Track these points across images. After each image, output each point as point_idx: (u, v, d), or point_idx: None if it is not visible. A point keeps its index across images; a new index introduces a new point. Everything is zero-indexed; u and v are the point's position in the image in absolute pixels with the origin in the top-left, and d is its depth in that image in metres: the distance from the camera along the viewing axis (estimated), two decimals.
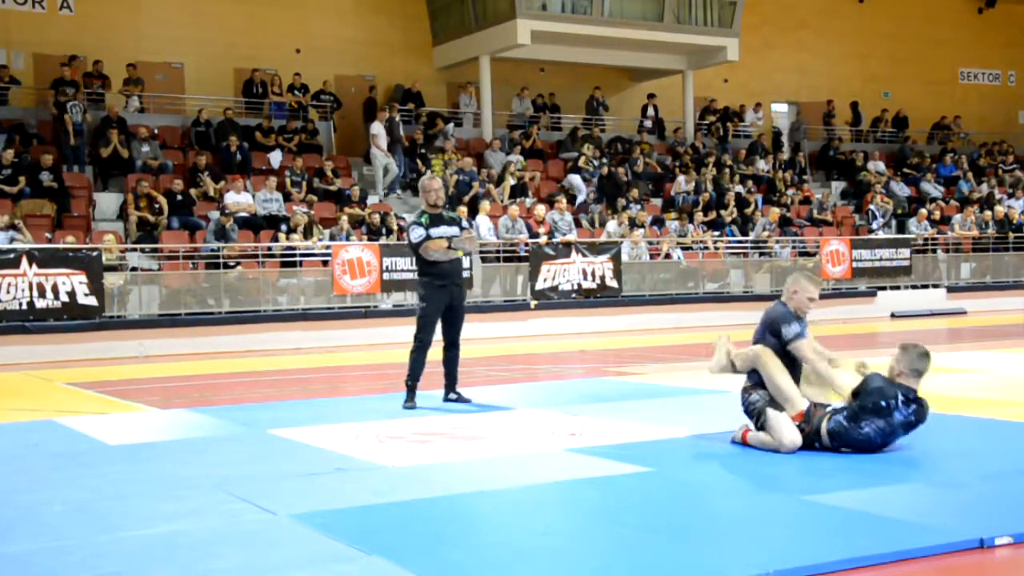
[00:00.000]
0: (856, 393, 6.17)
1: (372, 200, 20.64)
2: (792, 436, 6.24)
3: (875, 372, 6.22)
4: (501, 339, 16.86)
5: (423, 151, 22.00)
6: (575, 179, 22.63)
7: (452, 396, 8.92)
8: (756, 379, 6.53)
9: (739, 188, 23.44)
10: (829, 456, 6.14)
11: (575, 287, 18.48)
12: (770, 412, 6.36)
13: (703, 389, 9.46)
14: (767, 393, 6.45)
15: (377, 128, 21.33)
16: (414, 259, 8.99)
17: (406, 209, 20.46)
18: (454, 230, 8.76)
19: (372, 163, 21.62)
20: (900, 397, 6.04)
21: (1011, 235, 23.41)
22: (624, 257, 19.12)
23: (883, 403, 6.02)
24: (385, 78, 23.78)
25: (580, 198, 22.13)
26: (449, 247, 8.64)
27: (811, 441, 6.24)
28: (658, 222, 21.48)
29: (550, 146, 24.70)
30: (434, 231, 8.66)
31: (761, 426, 6.43)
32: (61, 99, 19.59)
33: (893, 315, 20.80)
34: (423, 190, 8.92)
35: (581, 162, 23.14)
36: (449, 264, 8.69)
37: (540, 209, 19.50)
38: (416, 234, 8.64)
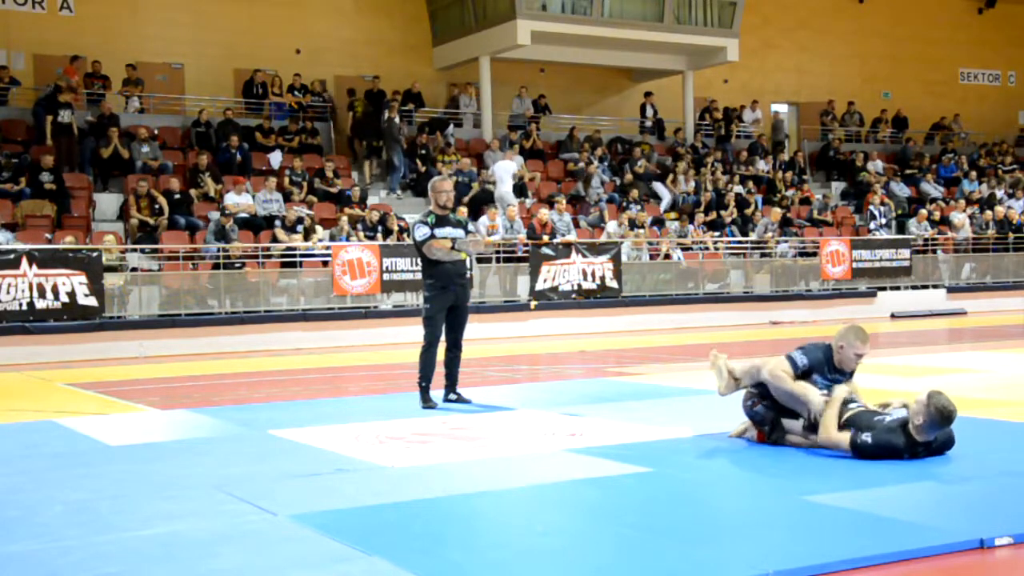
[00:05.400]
0: (862, 452, 5.99)
1: (372, 200, 20.64)
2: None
3: (881, 430, 5.97)
4: (501, 339, 16.86)
5: (424, 151, 21.99)
6: (659, 187, 22.70)
7: (452, 397, 8.93)
8: (761, 389, 6.54)
9: (739, 188, 23.45)
10: (829, 456, 6.15)
11: (575, 288, 18.48)
12: (786, 423, 6.43)
13: (703, 389, 9.45)
14: (772, 404, 6.46)
15: (508, 168, 20.92)
16: (419, 259, 9.00)
17: (405, 209, 20.45)
18: (459, 232, 8.79)
19: (499, 207, 19.92)
20: (905, 455, 5.91)
21: (1011, 235, 23.42)
22: (624, 257, 19.12)
23: (886, 456, 5.92)
24: (385, 78, 23.79)
25: (664, 204, 22.22)
26: (453, 248, 8.66)
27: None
28: (658, 223, 21.48)
29: (550, 146, 24.71)
30: (439, 231, 8.67)
31: (779, 435, 6.48)
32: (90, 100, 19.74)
33: (893, 315, 20.80)
34: (433, 190, 8.89)
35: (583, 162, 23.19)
36: (452, 265, 8.70)
37: (543, 211, 19.51)
38: (420, 232, 8.66)
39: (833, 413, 6.15)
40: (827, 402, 6.21)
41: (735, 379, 6.76)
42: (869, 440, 5.96)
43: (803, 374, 6.36)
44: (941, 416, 5.82)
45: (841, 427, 6.12)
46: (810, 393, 6.25)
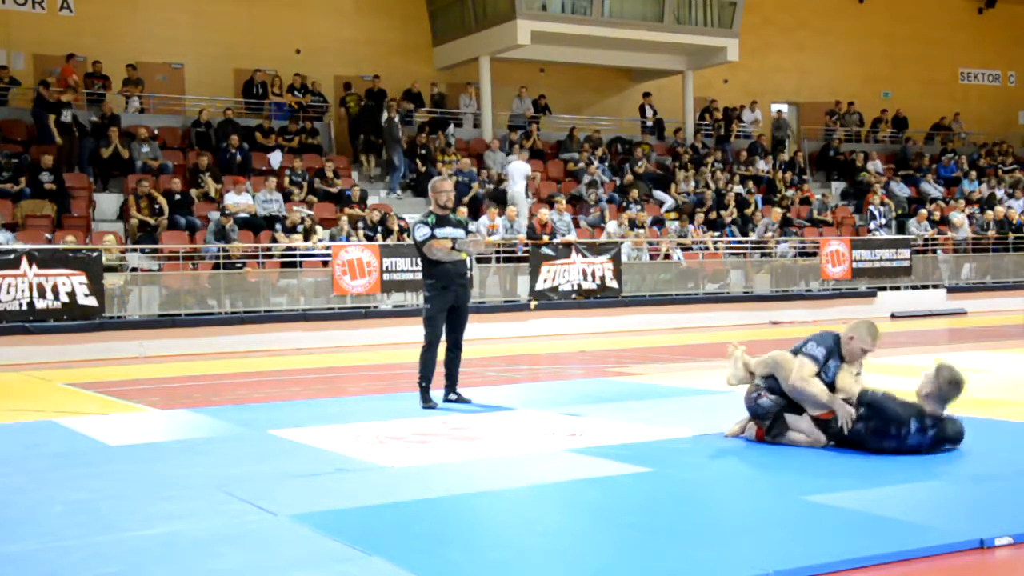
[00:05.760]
0: (868, 405, 6.09)
1: (372, 200, 20.64)
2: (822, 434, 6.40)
3: (891, 395, 6.12)
4: (501, 339, 16.86)
5: (424, 151, 21.99)
6: (662, 195, 22.80)
7: (452, 397, 8.93)
8: (768, 383, 6.53)
9: (739, 188, 23.44)
10: (829, 456, 6.15)
11: (575, 288, 18.48)
12: (789, 418, 6.41)
13: (703, 389, 9.47)
14: (779, 398, 6.45)
15: (521, 169, 20.93)
16: (419, 259, 9.00)
17: (405, 209, 20.46)
18: (459, 232, 8.79)
19: (510, 203, 20.17)
20: (914, 426, 5.95)
21: (1011, 235, 23.42)
22: (624, 258, 19.12)
23: (892, 431, 5.99)
24: (385, 78, 23.79)
25: (666, 208, 22.32)
26: (453, 248, 8.66)
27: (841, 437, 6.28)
28: (658, 223, 21.49)
29: (550, 146, 24.71)
30: (439, 231, 8.67)
31: (780, 431, 6.46)
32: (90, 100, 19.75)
33: (893, 315, 20.80)
34: (433, 190, 8.89)
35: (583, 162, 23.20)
36: (453, 265, 8.70)
37: (543, 211, 19.52)
38: (421, 232, 8.66)
39: (850, 372, 6.33)
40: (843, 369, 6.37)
41: (749, 372, 6.75)
42: (879, 394, 6.07)
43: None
44: (950, 384, 5.90)
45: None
46: (836, 403, 6.24)
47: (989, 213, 23.99)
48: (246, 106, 22.61)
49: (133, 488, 5.75)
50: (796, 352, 6.46)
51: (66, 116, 19.16)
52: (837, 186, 26.95)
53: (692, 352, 14.22)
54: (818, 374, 6.32)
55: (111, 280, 15.70)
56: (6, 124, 20.07)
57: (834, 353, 6.40)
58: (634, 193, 21.66)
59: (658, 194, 23.04)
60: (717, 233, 21.68)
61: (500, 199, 20.47)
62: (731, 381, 6.95)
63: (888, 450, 6.04)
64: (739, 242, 21.54)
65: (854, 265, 21.25)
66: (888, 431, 6.00)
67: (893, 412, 5.99)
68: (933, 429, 5.98)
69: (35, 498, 5.54)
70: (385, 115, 21.76)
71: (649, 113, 26.47)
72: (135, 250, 17.25)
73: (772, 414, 6.48)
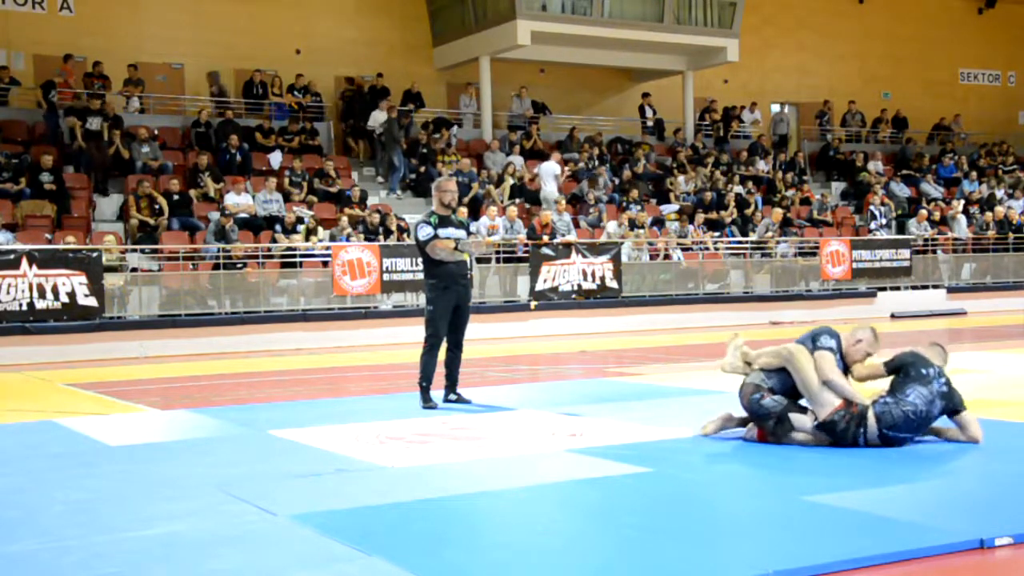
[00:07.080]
0: (894, 370, 6.46)
1: (372, 200, 20.64)
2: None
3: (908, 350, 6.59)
4: (501, 339, 16.86)
5: (424, 151, 21.98)
6: (667, 206, 22.86)
7: (452, 397, 8.93)
8: (772, 383, 6.52)
9: (739, 188, 23.44)
10: (829, 456, 6.15)
11: (575, 288, 18.48)
12: (794, 418, 6.42)
13: (703, 389, 9.47)
14: (782, 398, 6.45)
15: (552, 169, 21.32)
16: (420, 259, 8.99)
17: (405, 209, 20.46)
18: (461, 233, 8.80)
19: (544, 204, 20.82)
20: (936, 368, 6.40)
21: (1011, 235, 23.42)
22: (624, 258, 19.12)
23: (924, 371, 6.34)
24: (385, 78, 23.79)
25: (669, 210, 22.36)
26: (456, 248, 8.67)
27: (853, 437, 6.27)
28: (658, 223, 21.48)
29: (550, 146, 24.69)
30: (442, 231, 8.67)
31: (784, 431, 6.45)
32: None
33: (893, 315, 20.80)
34: (438, 190, 8.88)
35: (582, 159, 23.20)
36: (455, 265, 8.71)
37: (544, 211, 19.51)
38: (424, 232, 8.65)
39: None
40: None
41: (746, 363, 6.76)
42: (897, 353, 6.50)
43: None
44: (946, 352, 6.57)
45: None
46: (860, 397, 6.35)
47: (989, 213, 23.99)
48: (246, 106, 22.61)
49: (133, 488, 5.75)
50: (804, 343, 6.50)
51: (92, 124, 19.11)
52: (837, 186, 26.95)
53: (692, 352, 14.22)
54: None
55: (111, 280, 15.70)
56: (6, 124, 20.08)
57: (837, 350, 6.51)
58: (634, 193, 21.66)
59: (665, 207, 22.92)
60: (717, 233, 21.68)
61: (534, 200, 20.58)
62: (725, 368, 6.96)
63: (916, 406, 6.22)
64: (739, 242, 21.54)
65: (854, 265, 21.26)
66: (920, 372, 6.33)
67: (917, 359, 6.41)
68: (945, 376, 6.41)
69: (35, 498, 5.54)
70: (385, 115, 21.76)
71: (649, 113, 26.49)
72: (135, 250, 17.25)
73: (775, 415, 6.47)
